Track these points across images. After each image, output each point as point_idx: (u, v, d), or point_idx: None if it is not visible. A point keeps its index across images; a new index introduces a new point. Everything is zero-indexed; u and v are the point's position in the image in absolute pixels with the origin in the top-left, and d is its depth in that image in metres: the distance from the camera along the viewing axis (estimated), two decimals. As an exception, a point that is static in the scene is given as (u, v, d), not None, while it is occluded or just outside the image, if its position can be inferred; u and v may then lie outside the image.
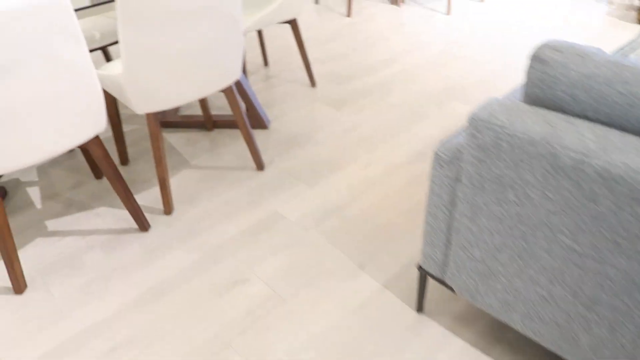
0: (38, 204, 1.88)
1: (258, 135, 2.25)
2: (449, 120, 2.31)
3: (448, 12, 3.55)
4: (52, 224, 1.78)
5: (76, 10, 1.48)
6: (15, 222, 1.80)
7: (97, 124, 1.49)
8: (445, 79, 2.68)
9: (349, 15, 3.58)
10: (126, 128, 2.35)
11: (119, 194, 1.64)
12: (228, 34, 1.64)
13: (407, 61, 2.90)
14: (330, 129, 2.27)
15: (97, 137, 1.53)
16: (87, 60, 1.35)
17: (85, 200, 1.89)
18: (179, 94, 1.65)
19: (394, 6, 3.77)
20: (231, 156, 2.11)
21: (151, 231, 1.73)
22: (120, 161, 2.07)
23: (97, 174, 1.99)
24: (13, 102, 1.25)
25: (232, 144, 2.20)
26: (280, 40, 3.27)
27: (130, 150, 2.18)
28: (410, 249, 1.62)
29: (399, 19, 3.55)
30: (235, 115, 1.88)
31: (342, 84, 2.66)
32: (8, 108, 1.25)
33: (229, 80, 1.77)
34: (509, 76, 2.69)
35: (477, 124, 0.99)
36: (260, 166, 2.00)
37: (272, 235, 1.69)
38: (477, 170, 1.03)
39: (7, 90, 1.22)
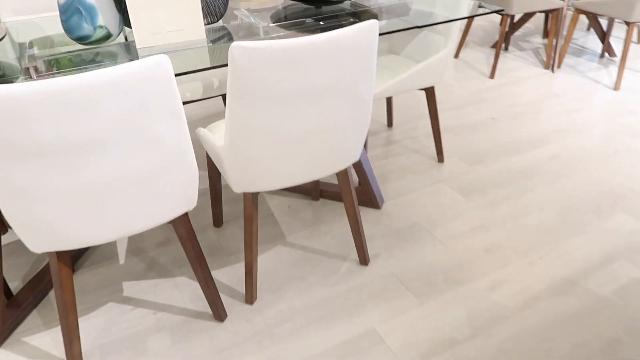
0: (122, 259, 1.75)
1: (367, 214, 1.94)
2: (612, 239, 1.79)
3: (616, 87, 2.96)
4: (128, 288, 1.63)
5: (191, 72, 1.30)
6: (94, 277, 1.67)
7: (186, 202, 1.29)
8: (609, 177, 2.15)
9: (492, 76, 3.15)
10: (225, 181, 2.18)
11: (198, 279, 1.42)
12: (353, 115, 1.36)
13: (559, 145, 2.41)
14: (454, 224, 1.89)
15: (185, 215, 1.33)
16: (185, 138, 1.15)
17: (167, 264, 1.72)
18: (285, 177, 1.40)
19: (547, 71, 3.26)
20: (332, 238, 1.82)
21: (226, 322, 1.49)
22: (214, 223, 1.89)
23: (187, 233, 1.82)
24: (98, 177, 1.07)
25: (336, 221, 1.91)
26: (410, 99, 2.96)
27: (226, 209, 1.99)
28: None
29: (552, 87, 3.04)
30: (345, 200, 1.59)
31: (475, 164, 2.26)
32: (93, 183, 1.07)
33: (345, 164, 1.49)
34: (699, 186, 2.08)
35: None
36: (364, 260, 1.69)
37: (364, 366, 1.36)
38: None
39: (94, 166, 1.05)
